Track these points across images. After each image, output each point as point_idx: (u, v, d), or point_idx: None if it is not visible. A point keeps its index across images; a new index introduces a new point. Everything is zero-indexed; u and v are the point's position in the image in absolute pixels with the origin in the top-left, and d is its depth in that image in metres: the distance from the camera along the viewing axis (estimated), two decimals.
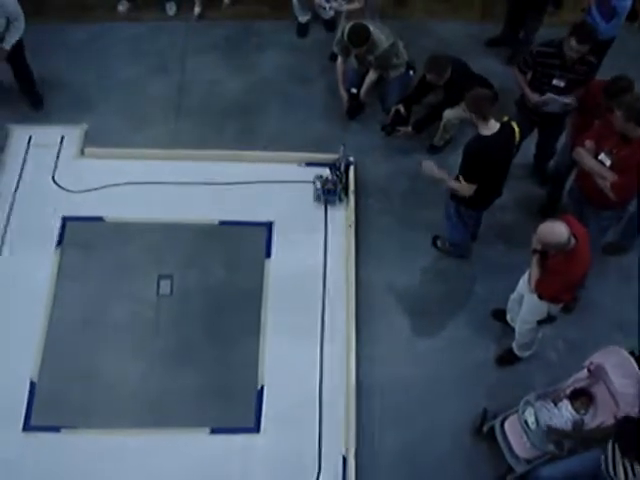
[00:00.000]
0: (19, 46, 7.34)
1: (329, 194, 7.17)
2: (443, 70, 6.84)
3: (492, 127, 5.94)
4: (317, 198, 7.21)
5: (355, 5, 7.73)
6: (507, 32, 8.31)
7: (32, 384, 6.34)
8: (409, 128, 7.32)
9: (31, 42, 7.75)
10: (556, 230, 5.28)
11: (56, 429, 6.18)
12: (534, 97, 6.71)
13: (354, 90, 7.64)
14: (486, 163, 6.01)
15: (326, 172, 7.25)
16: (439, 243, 7.10)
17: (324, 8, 8.03)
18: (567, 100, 6.60)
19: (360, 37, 7.13)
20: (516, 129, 6.09)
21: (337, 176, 7.18)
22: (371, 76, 7.48)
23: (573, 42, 6.31)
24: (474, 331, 6.69)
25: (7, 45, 7.18)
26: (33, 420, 6.22)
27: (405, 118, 7.34)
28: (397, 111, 7.32)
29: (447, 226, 6.80)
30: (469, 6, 8.77)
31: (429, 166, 6.30)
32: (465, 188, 6.15)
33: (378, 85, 7.71)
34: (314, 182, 7.21)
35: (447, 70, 6.83)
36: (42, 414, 6.25)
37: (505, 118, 6.08)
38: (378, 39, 7.23)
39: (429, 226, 7.12)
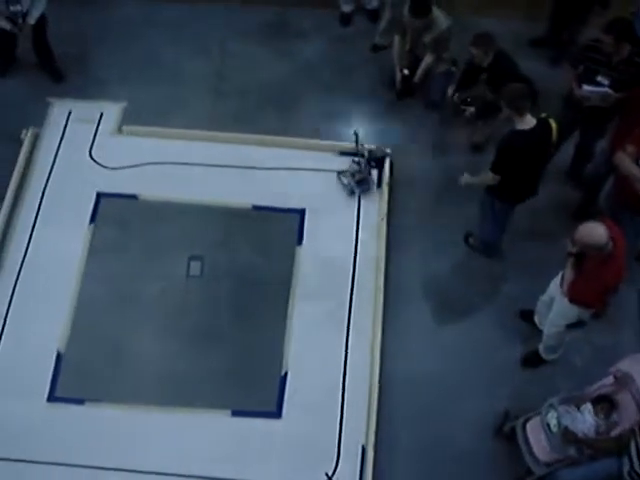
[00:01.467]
0: (42, 21, 7.48)
1: (362, 184, 7.15)
2: (488, 46, 6.74)
3: (528, 122, 5.94)
4: (350, 192, 7.18)
5: None
6: (551, 32, 8.24)
7: (59, 355, 6.41)
8: (472, 109, 7.16)
9: (77, 18, 7.91)
10: (596, 232, 5.24)
11: (80, 401, 6.25)
12: (578, 90, 6.64)
13: (406, 72, 7.59)
14: (519, 157, 5.99)
15: (346, 165, 7.22)
16: (471, 240, 7.08)
17: None
18: (608, 90, 6.50)
19: (423, 8, 7.08)
20: (553, 126, 6.06)
21: (358, 164, 7.15)
22: (427, 60, 7.41)
23: (601, 34, 6.32)
24: (501, 331, 6.68)
25: (32, 20, 7.35)
26: (58, 391, 6.30)
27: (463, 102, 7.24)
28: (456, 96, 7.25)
29: (480, 223, 6.79)
30: (513, 3, 8.66)
31: (466, 179, 6.44)
32: (488, 178, 6.18)
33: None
34: (339, 179, 7.19)
35: (492, 47, 6.76)
36: (67, 386, 6.31)
37: (543, 115, 6.06)
38: (438, 18, 7.18)
39: (462, 223, 7.10)
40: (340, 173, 7.20)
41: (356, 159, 7.18)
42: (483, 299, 6.83)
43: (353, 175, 7.15)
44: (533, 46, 8.28)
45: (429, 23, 7.17)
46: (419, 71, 7.52)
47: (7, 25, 7.29)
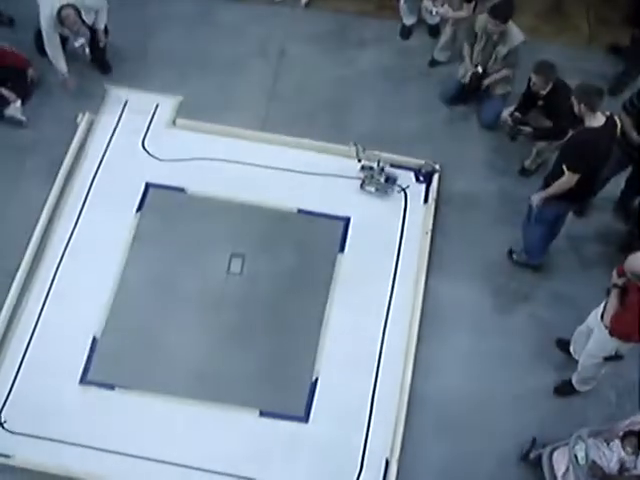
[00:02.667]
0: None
1: (390, 182, 7.26)
2: (549, 75, 6.72)
3: (599, 119, 6.01)
4: (384, 193, 7.24)
5: (462, 13, 7.67)
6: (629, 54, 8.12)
7: (94, 340, 6.50)
8: (529, 129, 7.13)
9: (141, 12, 8.16)
10: None
11: (111, 387, 6.34)
12: (638, 138, 6.60)
13: (480, 69, 7.46)
14: (592, 153, 6.07)
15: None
16: (515, 255, 7.05)
17: (430, 12, 7.98)
18: None
19: (506, 11, 7.01)
20: (618, 123, 6.14)
21: (369, 169, 7.28)
22: (505, 72, 7.32)
23: None
24: (535, 357, 6.62)
25: (101, 25, 7.57)
26: (90, 375, 6.39)
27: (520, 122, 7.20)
28: (512, 116, 7.18)
29: (526, 229, 6.83)
30: (575, 29, 8.63)
31: (535, 199, 6.45)
32: (567, 179, 6.14)
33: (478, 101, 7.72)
34: (364, 189, 7.25)
35: (552, 76, 6.74)
36: (100, 370, 6.40)
37: (607, 112, 6.09)
38: (513, 30, 7.14)
39: (506, 245, 7.07)
40: (362, 184, 7.26)
41: (362, 166, 7.33)
42: (520, 324, 6.77)
43: (376, 180, 7.24)
44: (611, 52, 8.25)
45: (504, 34, 7.12)
46: (495, 75, 7.40)
47: (64, 68, 7.51)
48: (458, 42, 7.94)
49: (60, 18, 7.19)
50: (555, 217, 6.62)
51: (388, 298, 6.75)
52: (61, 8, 7.15)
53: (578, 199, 6.49)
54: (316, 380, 6.39)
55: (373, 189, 7.27)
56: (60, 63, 7.50)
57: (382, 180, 7.27)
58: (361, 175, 7.31)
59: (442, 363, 6.54)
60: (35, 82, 7.77)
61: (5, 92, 7.53)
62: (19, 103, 7.57)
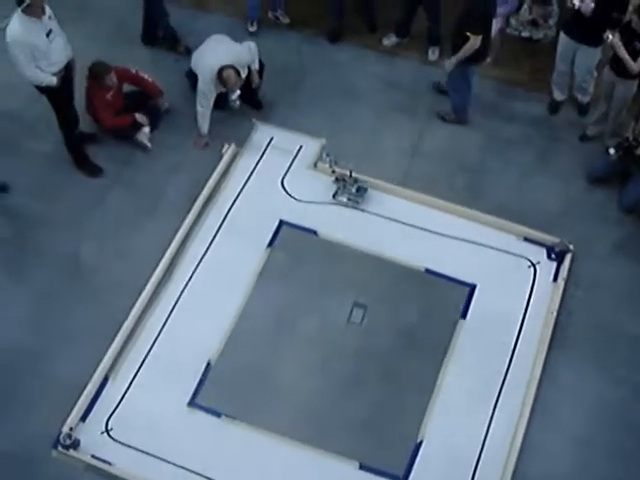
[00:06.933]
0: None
1: (362, 192, 7.47)
2: None
3: None
4: (357, 203, 7.44)
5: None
6: None
7: (208, 365, 6.62)
8: None
9: (297, 54, 8.61)
10: None
11: (217, 414, 6.41)
12: None
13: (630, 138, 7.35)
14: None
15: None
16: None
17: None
18: None
19: None
20: None
21: (341, 181, 7.54)
22: None
23: None
24: None
25: (255, 67, 7.90)
26: (199, 399, 6.49)
27: None
28: None
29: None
30: None
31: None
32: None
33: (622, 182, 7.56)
34: (339, 201, 7.46)
35: None
36: (209, 396, 6.50)
37: None
38: None
39: (633, 338, 6.87)
40: (335, 195, 7.49)
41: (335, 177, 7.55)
42: (638, 420, 6.54)
43: (348, 190, 7.45)
44: None
45: None
46: None
47: (205, 130, 7.81)
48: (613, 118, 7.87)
49: (222, 79, 7.51)
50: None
51: (505, 372, 6.62)
52: (221, 69, 7.46)
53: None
54: (420, 442, 6.32)
55: (345, 199, 7.42)
56: (204, 125, 7.81)
57: (354, 190, 7.43)
58: (334, 187, 7.50)
59: (551, 447, 6.35)
60: (164, 111, 8.13)
61: (139, 117, 7.84)
62: (148, 129, 7.89)
